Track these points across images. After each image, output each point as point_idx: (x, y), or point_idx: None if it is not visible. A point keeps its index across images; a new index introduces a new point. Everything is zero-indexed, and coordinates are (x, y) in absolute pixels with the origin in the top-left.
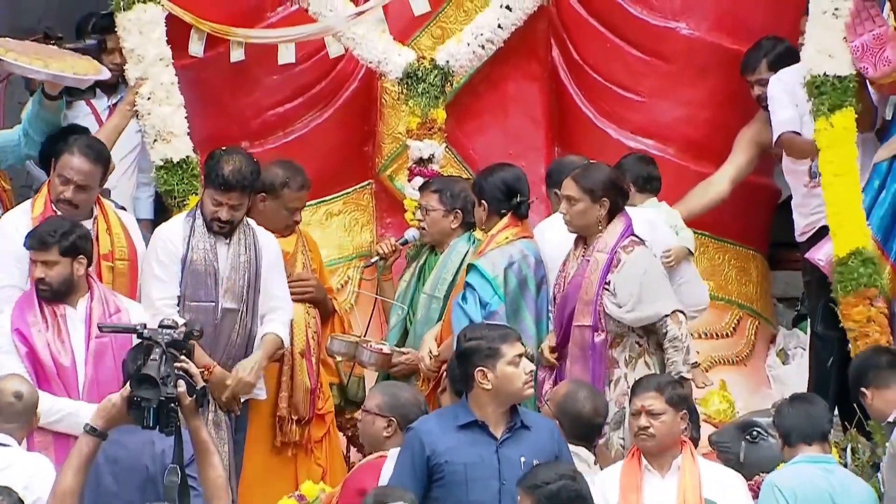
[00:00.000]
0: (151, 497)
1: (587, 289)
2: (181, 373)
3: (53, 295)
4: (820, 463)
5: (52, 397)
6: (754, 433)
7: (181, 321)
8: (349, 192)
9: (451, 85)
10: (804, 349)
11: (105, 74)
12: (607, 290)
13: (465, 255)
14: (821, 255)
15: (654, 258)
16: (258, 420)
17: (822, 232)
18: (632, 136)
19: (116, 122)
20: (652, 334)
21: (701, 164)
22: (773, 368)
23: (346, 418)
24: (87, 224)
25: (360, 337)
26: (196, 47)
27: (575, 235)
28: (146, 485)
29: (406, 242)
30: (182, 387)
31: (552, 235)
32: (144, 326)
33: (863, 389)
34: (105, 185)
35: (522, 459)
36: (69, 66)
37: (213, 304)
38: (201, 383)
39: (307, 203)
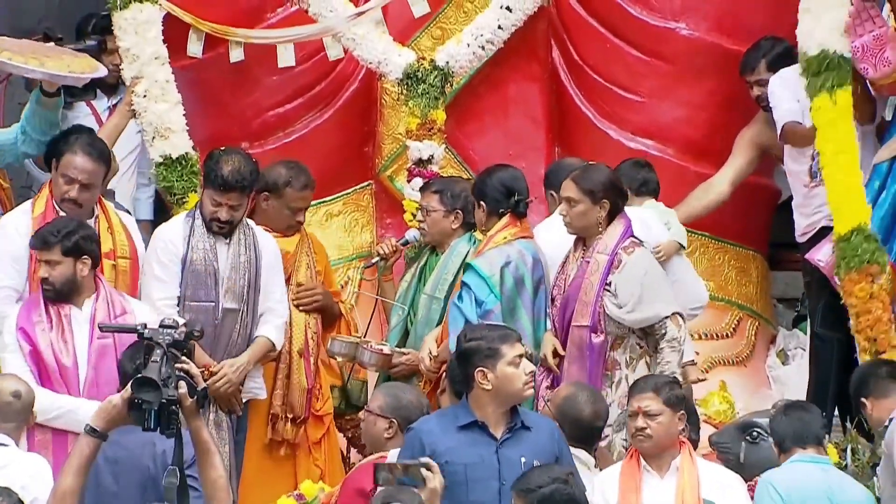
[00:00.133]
0: (152, 497)
1: (587, 290)
2: (182, 374)
3: (57, 295)
4: (817, 463)
5: (51, 394)
6: (754, 434)
7: (181, 321)
8: (349, 193)
9: (451, 86)
10: (804, 350)
11: (102, 72)
12: (608, 290)
13: (466, 255)
14: (820, 255)
15: (655, 259)
16: (257, 420)
17: (823, 232)
18: (632, 136)
19: (116, 122)
20: (651, 336)
21: (701, 165)
22: (773, 369)
23: (346, 419)
24: (89, 223)
25: (360, 338)
26: (194, 47)
27: (574, 237)
28: (146, 485)
29: (406, 243)
30: (183, 388)
31: (550, 236)
32: (145, 326)
33: (863, 400)
34: (107, 187)
35: (523, 460)
36: (65, 64)
37: (213, 304)
38: (202, 384)
39: None
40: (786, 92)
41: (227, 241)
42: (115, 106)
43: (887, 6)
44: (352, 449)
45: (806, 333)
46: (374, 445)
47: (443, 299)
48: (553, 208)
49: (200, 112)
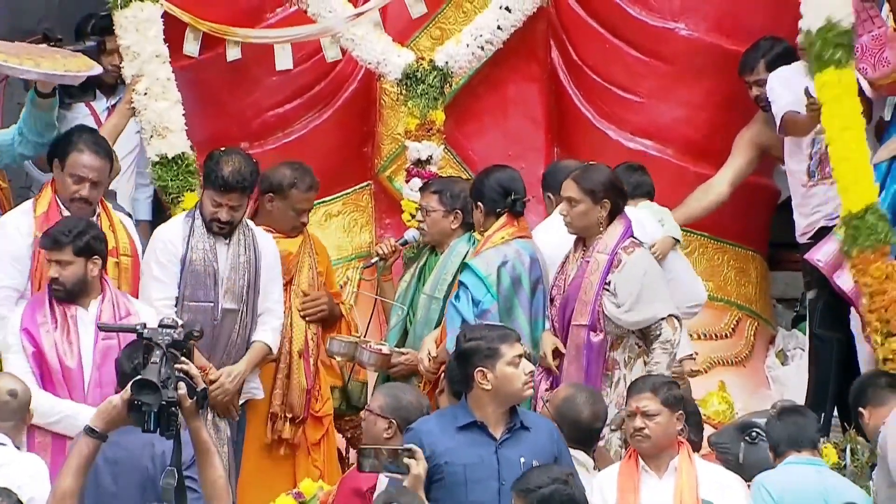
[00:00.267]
0: (151, 498)
1: (586, 289)
2: (181, 375)
3: (67, 295)
4: (812, 465)
5: (52, 398)
6: (753, 434)
7: (180, 322)
8: (348, 193)
9: (451, 86)
10: (803, 350)
11: (97, 70)
12: (607, 290)
13: (465, 255)
14: (820, 255)
15: (654, 261)
16: (255, 420)
17: (823, 232)
18: (631, 137)
19: (116, 122)
20: (647, 337)
21: (700, 165)
22: (773, 369)
23: (345, 420)
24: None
25: (359, 337)
26: (191, 47)
27: (573, 238)
28: (146, 486)
29: (406, 243)
30: (182, 389)
31: (548, 238)
32: (144, 326)
33: (860, 409)
34: (108, 187)
35: (522, 460)
36: (60, 64)
37: (212, 304)
38: (202, 385)
39: None
40: (784, 89)
41: (227, 241)
42: (114, 106)
43: (886, 6)
44: (351, 450)
45: (805, 334)
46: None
47: (442, 299)
48: (551, 210)
49: (200, 112)
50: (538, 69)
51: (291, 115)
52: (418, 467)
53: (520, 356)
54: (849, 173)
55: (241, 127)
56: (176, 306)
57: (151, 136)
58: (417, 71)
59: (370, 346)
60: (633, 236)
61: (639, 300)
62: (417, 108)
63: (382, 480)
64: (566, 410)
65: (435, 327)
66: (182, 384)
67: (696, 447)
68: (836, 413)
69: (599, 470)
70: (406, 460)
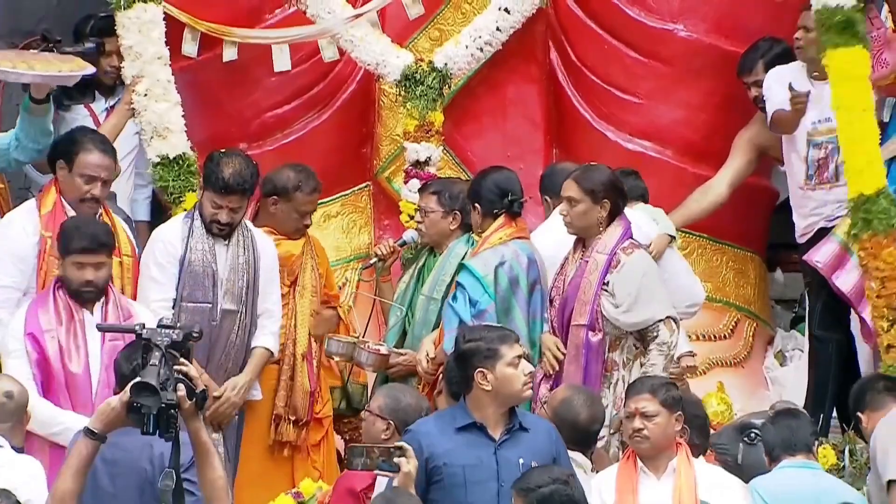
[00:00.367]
0: (149, 500)
1: (585, 289)
2: (181, 376)
3: (96, 296)
4: (806, 468)
5: (53, 408)
6: (752, 435)
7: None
8: (347, 194)
9: (449, 87)
10: (802, 351)
11: (90, 70)
12: (605, 290)
13: (464, 256)
14: (818, 256)
15: (654, 262)
16: (254, 421)
17: (821, 233)
18: (630, 138)
19: (115, 122)
20: (644, 338)
21: (699, 166)
22: (771, 370)
23: (344, 422)
24: None
25: (357, 338)
26: (189, 47)
27: (572, 239)
28: (144, 487)
29: (404, 244)
30: (182, 391)
31: (546, 241)
32: (143, 326)
33: (859, 414)
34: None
35: (521, 461)
36: (54, 66)
37: (210, 305)
38: (201, 386)
39: None
40: (780, 87)
41: (226, 242)
42: (112, 107)
43: (886, 7)
44: None
45: (804, 334)
46: None
47: (440, 300)
48: (549, 213)
49: (199, 113)
50: (537, 70)
51: (290, 116)
52: (408, 465)
53: (519, 357)
54: (858, 156)
55: (240, 128)
56: (173, 308)
57: (152, 137)
58: (416, 72)
59: (368, 347)
60: (632, 238)
61: (637, 301)
62: (416, 109)
63: (382, 481)
64: (564, 412)
65: (433, 328)
66: (181, 385)
67: (701, 451)
68: (835, 414)
69: (597, 471)
70: (396, 459)
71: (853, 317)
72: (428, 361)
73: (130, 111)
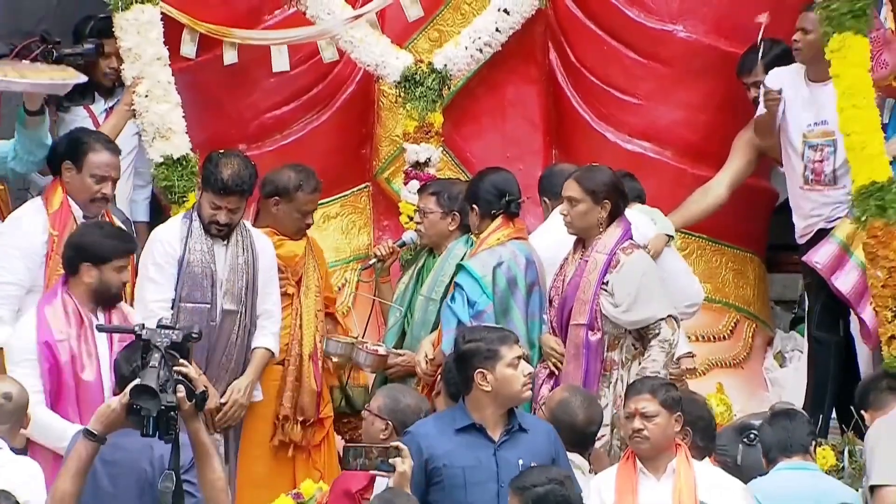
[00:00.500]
0: (149, 501)
1: (584, 288)
2: (180, 377)
3: (117, 300)
4: (803, 469)
5: (64, 422)
6: (751, 436)
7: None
8: (346, 195)
9: (449, 88)
10: (801, 352)
11: (82, 79)
12: (605, 290)
13: (462, 257)
14: (818, 257)
15: (653, 263)
16: (254, 421)
17: (821, 234)
18: (629, 139)
19: (114, 123)
20: (645, 337)
21: (699, 167)
22: (771, 371)
23: (343, 423)
24: None
25: (356, 338)
26: (188, 48)
27: (571, 240)
28: (144, 488)
29: (404, 244)
30: (182, 392)
31: (545, 242)
32: (143, 327)
33: (862, 412)
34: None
35: (520, 462)
36: (46, 75)
37: (209, 305)
38: (201, 387)
39: None
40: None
41: (225, 242)
42: (111, 108)
43: (885, 8)
44: None
45: (803, 335)
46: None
47: (439, 301)
48: (547, 214)
49: (198, 114)
50: (536, 71)
51: (289, 116)
52: (404, 465)
53: (519, 358)
54: (866, 144)
55: (239, 129)
56: (172, 308)
57: (154, 138)
58: (416, 73)
59: (367, 347)
60: (632, 239)
61: (636, 300)
62: (416, 110)
63: (381, 482)
64: (561, 414)
65: (432, 329)
66: (181, 387)
67: (706, 453)
68: (834, 415)
69: (595, 473)
70: (391, 459)
71: (853, 317)
72: (427, 362)
73: (130, 112)
